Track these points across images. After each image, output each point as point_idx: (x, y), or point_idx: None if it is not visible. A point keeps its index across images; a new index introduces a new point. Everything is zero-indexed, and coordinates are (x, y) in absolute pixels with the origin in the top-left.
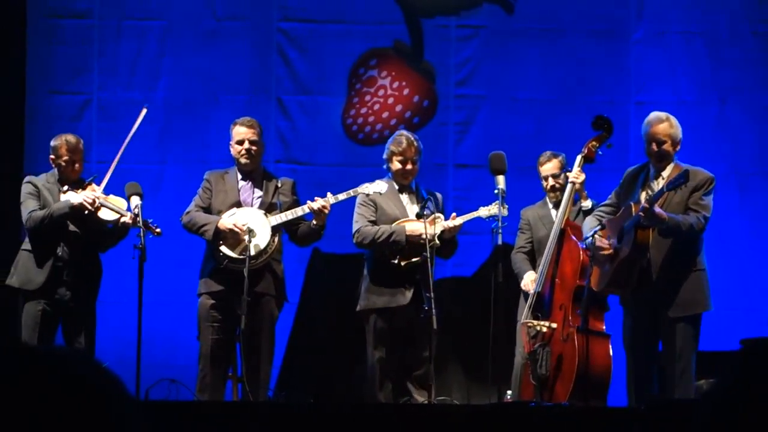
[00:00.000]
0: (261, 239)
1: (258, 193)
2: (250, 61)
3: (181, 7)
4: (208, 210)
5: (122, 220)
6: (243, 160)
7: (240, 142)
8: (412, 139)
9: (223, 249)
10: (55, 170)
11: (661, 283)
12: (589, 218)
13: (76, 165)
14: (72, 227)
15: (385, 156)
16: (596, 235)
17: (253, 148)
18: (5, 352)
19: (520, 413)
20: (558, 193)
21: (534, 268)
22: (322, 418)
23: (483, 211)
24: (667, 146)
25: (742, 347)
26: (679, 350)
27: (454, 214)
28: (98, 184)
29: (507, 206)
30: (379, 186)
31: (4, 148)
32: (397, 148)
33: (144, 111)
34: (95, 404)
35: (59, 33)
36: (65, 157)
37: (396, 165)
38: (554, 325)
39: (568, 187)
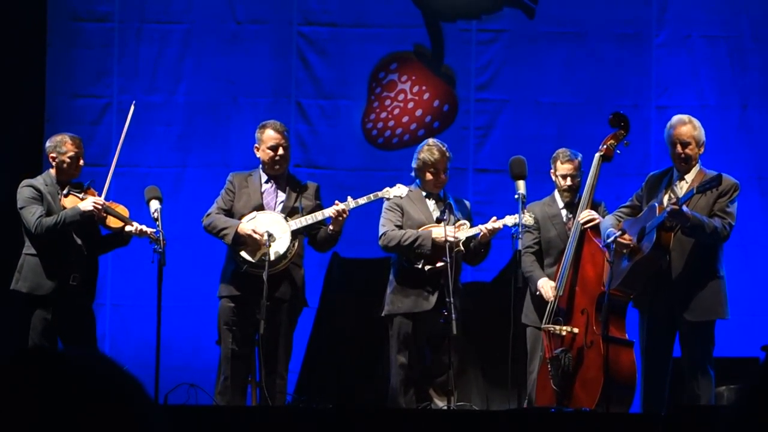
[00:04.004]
0: (281, 244)
1: (281, 196)
2: (271, 64)
3: (202, 11)
4: (230, 212)
5: (127, 228)
6: (277, 167)
7: (274, 148)
8: (444, 149)
9: (243, 254)
10: (51, 171)
11: (680, 286)
12: (607, 218)
13: (81, 161)
14: (73, 233)
15: (415, 165)
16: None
17: (286, 153)
18: (26, 356)
19: (540, 419)
20: (573, 193)
21: (543, 268)
22: (341, 423)
23: (509, 219)
24: (691, 148)
25: (765, 354)
26: (697, 355)
27: (494, 217)
28: (97, 191)
29: (534, 216)
30: (400, 190)
31: (23, 151)
32: (431, 158)
33: (132, 108)
34: (116, 408)
35: (80, 36)
36: (70, 153)
37: (429, 176)
38: (576, 330)
39: (586, 189)
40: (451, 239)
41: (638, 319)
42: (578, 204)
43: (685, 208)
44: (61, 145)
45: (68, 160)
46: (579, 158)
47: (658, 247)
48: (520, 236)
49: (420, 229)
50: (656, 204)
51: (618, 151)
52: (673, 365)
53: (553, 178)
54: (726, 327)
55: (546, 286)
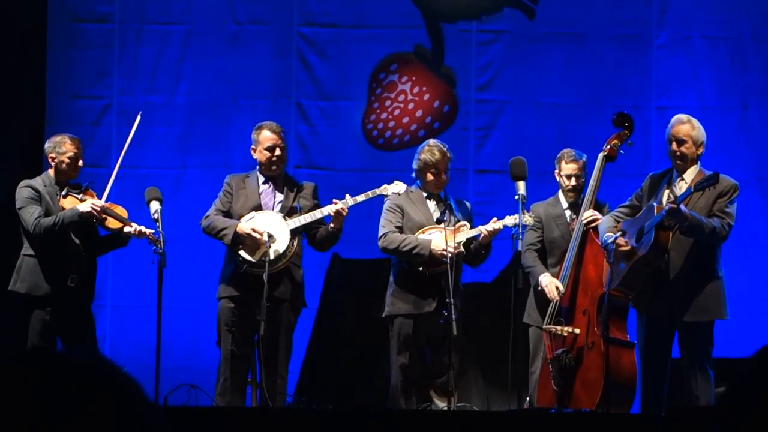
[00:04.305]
0: (280, 243)
1: (279, 197)
2: (271, 65)
3: (202, 11)
4: (228, 213)
5: (126, 229)
6: (274, 167)
7: (270, 149)
8: (444, 149)
9: (242, 254)
10: (50, 172)
11: (679, 286)
12: (606, 218)
13: (80, 162)
14: (72, 234)
15: (415, 166)
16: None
17: (283, 154)
18: (26, 357)
19: (540, 420)
20: (577, 194)
21: (546, 267)
22: (342, 424)
23: (509, 220)
24: (687, 147)
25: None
26: (696, 355)
27: (494, 218)
28: (97, 193)
29: (533, 216)
30: (398, 187)
31: (23, 152)
32: (431, 159)
33: (138, 118)
34: (115, 409)
35: (80, 37)
36: (70, 154)
37: (430, 177)
38: (577, 331)
39: (590, 189)
40: (451, 253)
41: (636, 320)
42: (582, 204)
43: (683, 207)
44: (60, 146)
45: (67, 160)
46: (584, 158)
47: (656, 247)
48: (520, 237)
49: (419, 232)
50: (654, 204)
51: (621, 151)
52: (672, 366)
53: (558, 178)
54: (726, 328)
55: (551, 285)
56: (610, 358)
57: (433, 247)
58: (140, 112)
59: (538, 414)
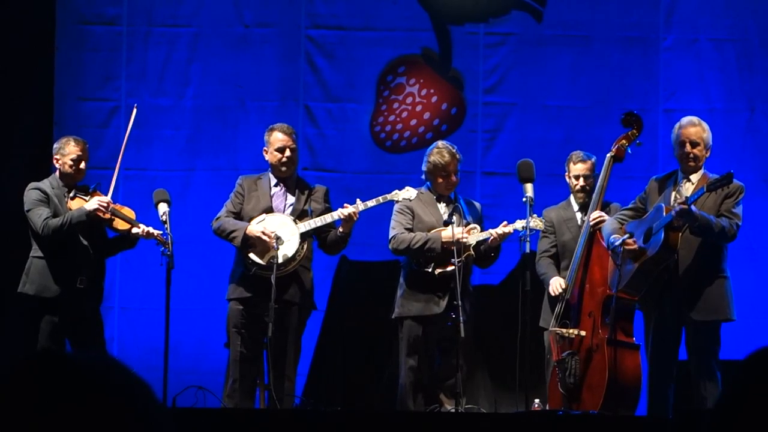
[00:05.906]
0: (289, 246)
1: (290, 199)
2: (279, 68)
3: (210, 14)
4: (239, 215)
5: (134, 230)
6: (284, 168)
7: (281, 150)
8: (454, 151)
9: (252, 256)
10: (57, 174)
11: (687, 284)
12: (610, 220)
13: (83, 164)
14: (80, 235)
15: (425, 168)
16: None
17: (294, 156)
18: (33, 359)
19: (547, 422)
20: (586, 194)
21: (559, 271)
22: (350, 425)
23: (519, 224)
24: (699, 149)
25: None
26: (704, 357)
27: (505, 221)
28: (104, 193)
29: (542, 219)
30: (409, 192)
31: (31, 155)
32: (441, 161)
33: (135, 111)
34: (124, 410)
35: (88, 40)
36: (73, 155)
37: (440, 179)
38: (583, 333)
39: (597, 190)
40: (459, 238)
41: (643, 321)
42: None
43: (693, 207)
44: (64, 147)
45: (70, 162)
46: (593, 159)
47: (666, 247)
48: (527, 239)
49: (430, 233)
50: (663, 204)
51: (629, 151)
52: (680, 368)
53: (567, 179)
54: (733, 330)
55: (554, 283)
56: (613, 360)
57: (443, 238)
58: (136, 104)
59: (544, 416)
